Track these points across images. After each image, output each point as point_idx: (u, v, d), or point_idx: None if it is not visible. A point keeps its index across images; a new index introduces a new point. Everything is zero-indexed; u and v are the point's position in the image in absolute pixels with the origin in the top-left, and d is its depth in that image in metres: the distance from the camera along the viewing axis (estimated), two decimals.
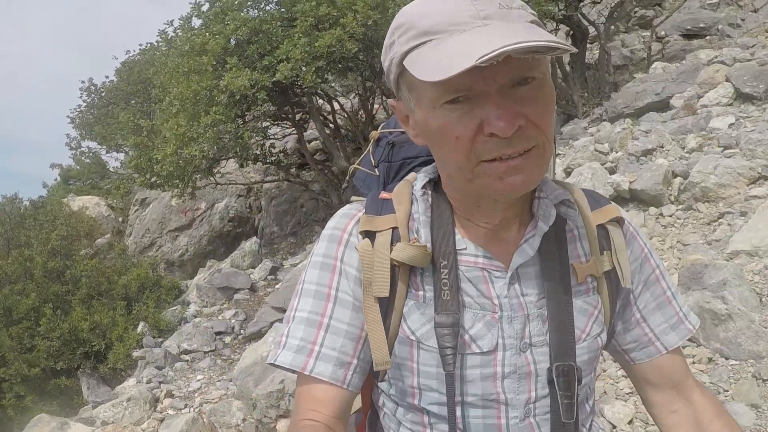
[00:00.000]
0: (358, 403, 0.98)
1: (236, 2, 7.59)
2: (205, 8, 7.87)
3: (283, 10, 7.43)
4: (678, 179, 4.35)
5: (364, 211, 0.89)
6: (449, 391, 0.80)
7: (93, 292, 7.13)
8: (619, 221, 0.91)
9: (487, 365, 0.82)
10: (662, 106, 6.21)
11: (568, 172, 5.20)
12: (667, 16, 8.99)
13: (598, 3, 11.21)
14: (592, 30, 8.97)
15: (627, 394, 2.50)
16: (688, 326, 0.95)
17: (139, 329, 6.69)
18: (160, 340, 6.57)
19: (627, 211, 4.41)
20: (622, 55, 10.19)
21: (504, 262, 0.84)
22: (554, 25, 8.98)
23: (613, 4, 9.08)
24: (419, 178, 0.90)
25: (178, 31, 9.04)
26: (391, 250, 0.83)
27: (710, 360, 2.46)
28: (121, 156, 14.49)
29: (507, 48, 0.61)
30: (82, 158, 15.59)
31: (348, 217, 0.89)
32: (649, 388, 0.97)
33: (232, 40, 7.25)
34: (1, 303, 6.74)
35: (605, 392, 2.60)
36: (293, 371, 0.86)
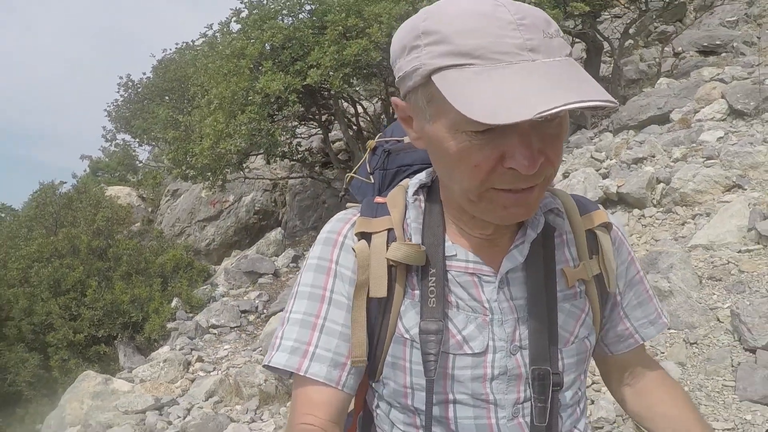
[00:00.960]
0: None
1: (272, 10, 8.27)
2: (243, 15, 8.56)
3: (314, 18, 8.08)
4: (661, 185, 4.84)
5: (359, 214, 0.91)
6: (428, 398, 0.82)
7: (132, 270, 7.87)
8: (607, 226, 0.93)
9: (478, 366, 0.84)
10: (663, 119, 6.64)
11: (565, 176, 5.70)
12: (678, 33, 9.38)
13: (620, 17, 11.57)
14: (607, 45, 9.39)
15: None
16: (664, 320, 1.03)
17: (173, 304, 7.38)
18: (191, 314, 7.25)
19: (614, 212, 4.92)
20: (638, 69, 10.56)
21: (494, 267, 0.86)
22: (570, 40, 9.47)
23: (628, 21, 9.52)
24: (411, 185, 0.91)
25: (217, 34, 9.76)
26: (387, 250, 0.85)
27: None
28: (150, 149, 15.20)
29: (569, 106, 0.61)
30: (116, 150, 16.34)
31: (343, 221, 0.91)
32: (613, 368, 1.06)
33: (267, 46, 7.92)
34: (51, 275, 7.52)
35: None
36: (288, 373, 0.86)
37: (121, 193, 13.02)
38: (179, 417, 4.69)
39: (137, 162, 15.89)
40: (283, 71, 7.39)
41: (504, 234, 0.86)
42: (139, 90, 15.00)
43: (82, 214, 8.38)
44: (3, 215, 10.11)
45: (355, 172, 1.14)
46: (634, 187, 4.85)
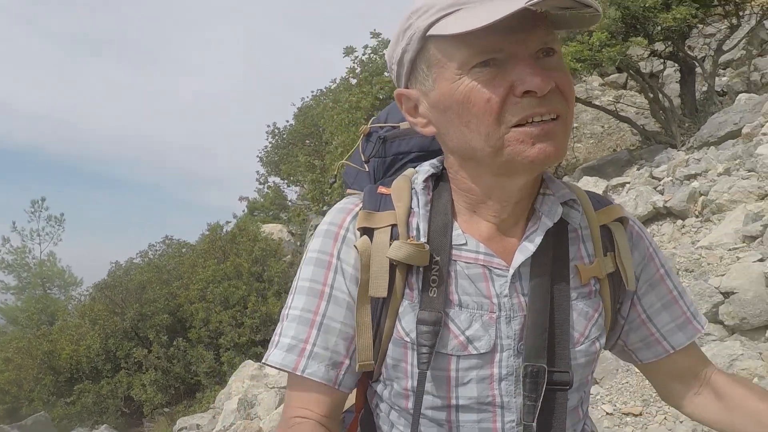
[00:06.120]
0: (351, 399, 0.97)
1: (380, 66, 9.92)
2: (357, 71, 10.32)
3: None
4: (702, 197, 5.54)
5: (361, 205, 0.87)
6: (419, 391, 0.79)
7: (282, 289, 9.92)
8: (623, 221, 0.90)
9: (484, 367, 0.81)
10: (737, 135, 7.08)
11: (623, 190, 6.48)
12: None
13: (713, 35, 11.51)
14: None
15: None
16: (696, 326, 0.95)
17: None
18: None
19: (662, 224, 5.68)
20: (748, 80, 10.63)
21: (506, 260, 0.82)
22: (662, 62, 9.88)
23: (721, 37, 9.73)
24: (421, 171, 0.88)
25: (339, 88, 11.63)
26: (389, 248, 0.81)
27: None
28: (298, 189, 17.17)
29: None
30: (268, 192, 18.11)
31: (345, 212, 0.88)
32: (666, 380, 0.97)
33: (380, 96, 9.52)
34: (222, 293, 9.91)
35: None
36: (285, 371, 0.84)
37: (274, 230, 14.97)
38: None
39: (288, 202, 18.05)
40: None
41: (518, 221, 0.85)
42: (284, 136, 16.53)
43: (244, 247, 10.62)
44: (184, 250, 12.82)
45: (347, 159, 1.09)
46: (678, 201, 5.58)
